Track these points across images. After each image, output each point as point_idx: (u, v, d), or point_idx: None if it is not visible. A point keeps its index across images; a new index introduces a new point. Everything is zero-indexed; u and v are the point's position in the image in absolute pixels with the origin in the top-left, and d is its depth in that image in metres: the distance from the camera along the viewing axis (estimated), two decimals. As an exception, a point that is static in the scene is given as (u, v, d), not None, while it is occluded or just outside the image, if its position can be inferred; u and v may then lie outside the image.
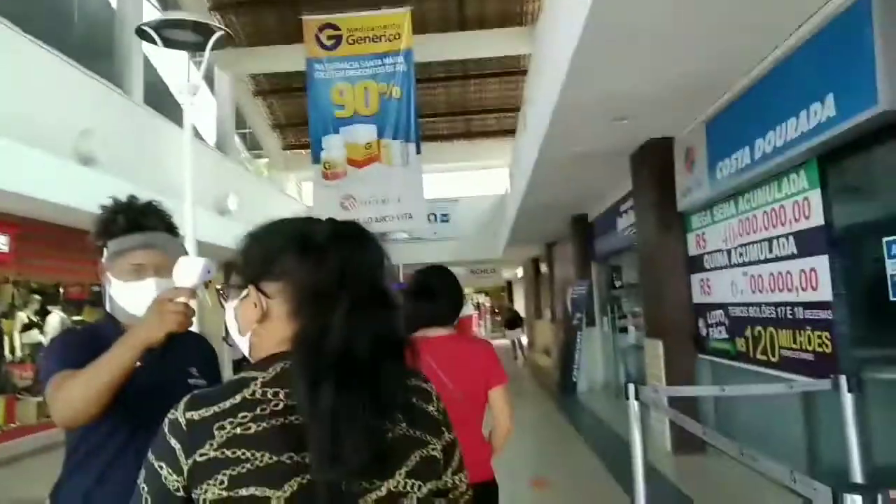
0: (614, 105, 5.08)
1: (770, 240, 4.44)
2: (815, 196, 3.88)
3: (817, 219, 3.87)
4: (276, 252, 0.96)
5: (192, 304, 1.39)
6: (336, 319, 0.86)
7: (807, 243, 3.98)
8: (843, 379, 2.94)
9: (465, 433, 2.20)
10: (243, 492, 0.82)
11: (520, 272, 24.22)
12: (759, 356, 4.69)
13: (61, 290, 8.76)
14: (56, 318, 8.44)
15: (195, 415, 0.87)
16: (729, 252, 5.14)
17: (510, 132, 19.20)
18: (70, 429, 1.35)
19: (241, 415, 0.86)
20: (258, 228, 1.02)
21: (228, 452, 0.84)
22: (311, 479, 0.84)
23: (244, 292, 0.98)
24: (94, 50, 10.52)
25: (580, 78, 4.38)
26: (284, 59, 13.38)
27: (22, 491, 5.60)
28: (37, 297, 8.34)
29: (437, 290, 2.33)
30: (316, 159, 10.40)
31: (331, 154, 10.32)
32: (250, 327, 0.97)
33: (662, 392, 3.32)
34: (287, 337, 0.91)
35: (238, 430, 0.85)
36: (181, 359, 1.59)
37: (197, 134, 13.70)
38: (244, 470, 0.83)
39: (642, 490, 2.97)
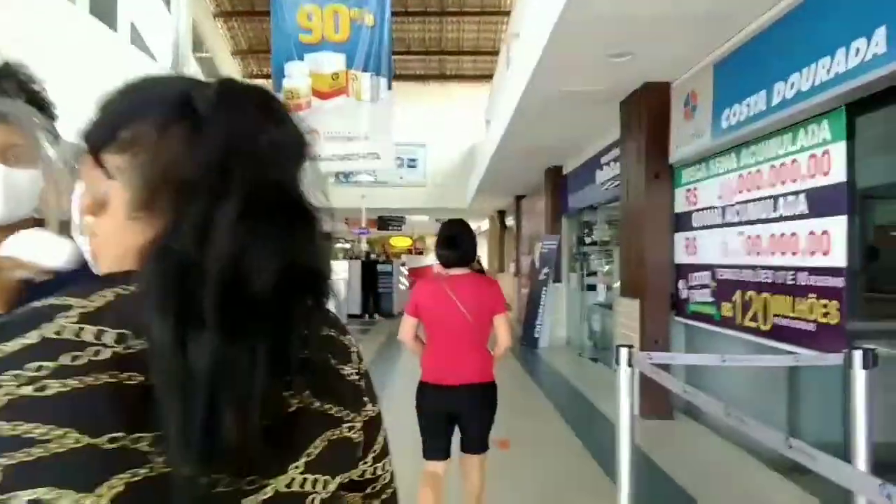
0: (615, 37, 4.53)
1: (776, 197, 4.03)
2: (839, 149, 3.45)
3: (838, 175, 3.45)
4: (128, 110, 0.63)
5: None
6: (220, 224, 0.54)
7: (822, 202, 3.57)
8: (857, 354, 2.61)
9: (477, 350, 2.90)
10: (25, 495, 0.48)
11: (484, 225, 23.84)
12: (747, 323, 4.36)
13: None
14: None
15: None
16: (723, 209, 4.74)
17: (486, 77, 18.44)
18: None
19: (33, 365, 0.51)
20: (128, 83, 0.67)
21: (7, 427, 0.50)
22: (149, 476, 0.51)
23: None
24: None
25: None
26: (248, -26, 12.32)
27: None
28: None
29: (460, 238, 2.93)
30: (277, 87, 9.61)
31: (293, 82, 9.57)
32: (84, 223, 0.65)
33: (657, 359, 2.92)
34: (133, 245, 0.58)
35: (28, 391, 0.51)
36: None
37: (149, 53, 12.60)
38: (32, 457, 0.49)
39: (627, 462, 2.64)
